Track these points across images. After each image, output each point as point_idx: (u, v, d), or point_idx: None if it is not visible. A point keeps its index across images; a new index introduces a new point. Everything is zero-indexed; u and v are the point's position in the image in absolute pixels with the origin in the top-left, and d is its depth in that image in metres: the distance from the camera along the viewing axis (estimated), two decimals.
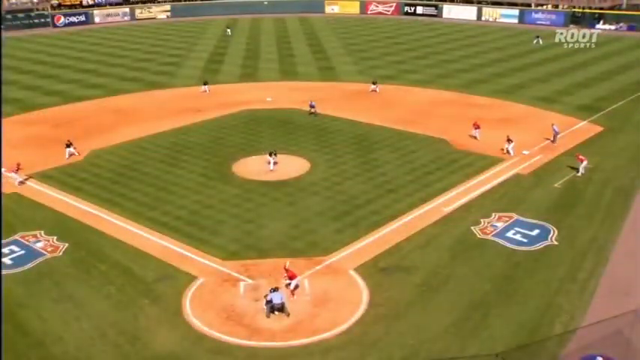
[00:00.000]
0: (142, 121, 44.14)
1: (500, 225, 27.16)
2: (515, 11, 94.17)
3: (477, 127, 38.73)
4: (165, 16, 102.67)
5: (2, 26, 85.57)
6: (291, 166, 34.27)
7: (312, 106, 44.48)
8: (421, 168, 33.96)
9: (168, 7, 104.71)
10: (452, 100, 48.80)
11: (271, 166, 33.43)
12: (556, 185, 31.52)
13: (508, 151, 35.78)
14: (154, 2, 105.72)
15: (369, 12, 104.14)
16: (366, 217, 28.04)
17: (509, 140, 35.99)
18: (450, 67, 61.97)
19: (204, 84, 52.59)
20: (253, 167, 34.35)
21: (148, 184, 32.14)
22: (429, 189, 31.05)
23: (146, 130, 41.48)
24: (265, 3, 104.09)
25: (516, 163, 34.63)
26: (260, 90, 52.93)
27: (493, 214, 28.11)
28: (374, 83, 51.31)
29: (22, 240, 26.20)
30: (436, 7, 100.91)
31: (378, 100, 48.96)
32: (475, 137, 38.41)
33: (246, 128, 41.92)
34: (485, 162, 34.66)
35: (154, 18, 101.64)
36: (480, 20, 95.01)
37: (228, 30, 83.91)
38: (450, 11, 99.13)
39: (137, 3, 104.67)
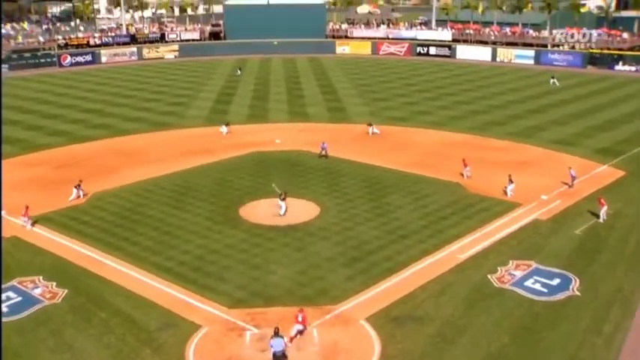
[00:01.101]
0: (147, 162, 44.65)
1: (518, 273, 26.83)
2: (531, 52, 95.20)
3: (465, 164, 39.48)
4: (173, 56, 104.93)
5: (7, 65, 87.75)
6: (300, 210, 34.28)
7: (323, 148, 44.77)
8: (435, 213, 33.88)
9: (176, 46, 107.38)
10: (466, 143, 49.05)
11: (282, 211, 33.28)
12: (577, 232, 31.23)
13: (506, 192, 35.78)
14: (162, 42, 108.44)
15: (380, 53, 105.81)
16: (378, 263, 27.91)
17: (510, 181, 36.05)
18: (464, 108, 62.44)
19: (226, 125, 53.16)
20: (261, 211, 34.39)
21: (152, 228, 32.23)
22: (443, 235, 30.92)
23: (151, 172, 41.85)
24: (275, 43, 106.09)
25: (534, 208, 34.45)
26: (269, 131, 53.50)
27: (511, 261, 27.85)
28: (369, 125, 51.76)
29: (20, 286, 26.04)
30: (449, 47, 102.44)
31: (390, 142, 49.30)
32: (467, 176, 39.15)
33: (255, 171, 42.15)
34: (502, 207, 34.58)
35: (162, 58, 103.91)
36: (495, 61, 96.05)
37: (239, 70, 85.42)
38: (464, 52, 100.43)
39: (145, 43, 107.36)
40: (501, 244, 29.73)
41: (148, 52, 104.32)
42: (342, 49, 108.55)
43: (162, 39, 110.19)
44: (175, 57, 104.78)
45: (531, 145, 47.71)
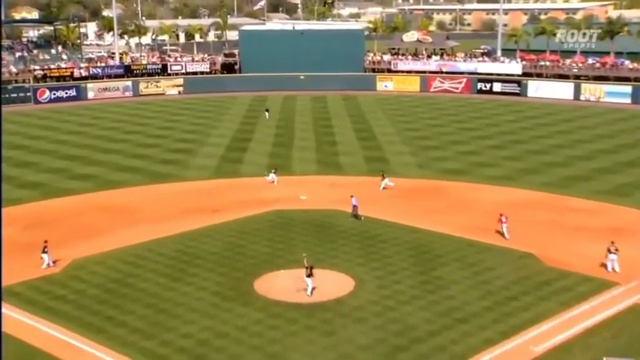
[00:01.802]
0: (142, 222, 45.31)
1: None
2: (627, 88, 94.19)
3: (502, 221, 40.88)
4: (176, 92, 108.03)
5: None
6: (330, 284, 34.34)
7: (354, 207, 45.18)
8: (501, 291, 33.65)
9: (180, 80, 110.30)
10: (541, 203, 48.85)
11: (309, 290, 33.31)
12: None
13: (606, 266, 35.55)
14: (163, 75, 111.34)
15: (432, 90, 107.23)
16: (427, 355, 27.75)
17: (612, 251, 35.52)
18: (539, 159, 62.57)
19: (273, 171, 55.09)
20: (281, 285, 34.56)
21: (145, 305, 32.41)
22: (513, 320, 30.62)
23: (146, 235, 42.38)
24: (302, 78, 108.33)
25: (635, 289, 33.93)
26: (292, 186, 54.15)
27: (604, 358, 27.29)
28: (382, 176, 52.62)
29: None
30: (519, 83, 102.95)
31: (443, 201, 49.51)
32: (502, 234, 40.49)
33: (274, 234, 42.57)
34: (590, 285, 34.18)
35: (163, 94, 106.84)
36: (578, 100, 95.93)
37: (266, 112, 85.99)
38: (538, 89, 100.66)
39: (142, 75, 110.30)
40: (590, 336, 29.21)
41: (146, 86, 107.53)
42: (385, 85, 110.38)
43: (163, 71, 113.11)
44: (179, 93, 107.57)
45: (627, 207, 47.33)
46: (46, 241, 37.58)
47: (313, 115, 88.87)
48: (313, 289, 33.26)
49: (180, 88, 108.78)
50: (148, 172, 59.44)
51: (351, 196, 45.81)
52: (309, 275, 33.18)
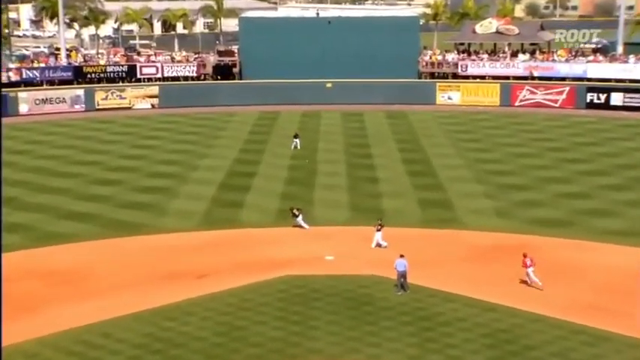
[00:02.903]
0: (95, 293, 45.23)
1: None
2: None
3: (526, 264, 45.10)
4: (149, 105, 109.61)
5: None
6: None
7: (401, 274, 45.09)
8: None
9: (154, 89, 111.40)
10: None
11: None
12: None
13: None
14: (130, 81, 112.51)
15: (517, 103, 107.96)
16: None
17: None
18: None
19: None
20: None
21: None
22: None
23: (101, 312, 42.17)
24: (328, 86, 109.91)
25: None
26: (314, 240, 54.45)
27: None
28: (379, 228, 52.97)
29: None
30: None
31: (534, 266, 48.82)
32: (527, 282, 44.10)
33: (287, 312, 42.45)
34: None
35: (129, 108, 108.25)
36: None
37: (297, 141, 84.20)
38: None
39: (100, 81, 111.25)
40: None
41: (105, 97, 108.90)
42: (448, 96, 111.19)
43: (130, 76, 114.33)
44: (153, 107, 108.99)
45: None
46: None
47: (345, 139, 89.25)
48: None
49: (155, 101, 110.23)
50: (106, 221, 59.63)
51: (401, 256, 45.63)
52: None
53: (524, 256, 45.35)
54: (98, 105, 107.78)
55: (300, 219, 56.74)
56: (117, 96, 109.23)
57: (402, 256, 45.52)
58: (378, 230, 52.75)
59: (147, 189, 68.94)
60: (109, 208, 63.11)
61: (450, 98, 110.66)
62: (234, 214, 61.21)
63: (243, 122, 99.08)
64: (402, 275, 45.01)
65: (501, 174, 73.38)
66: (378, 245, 52.54)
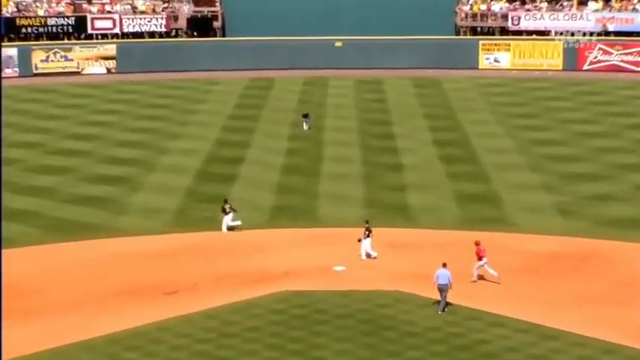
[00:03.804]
0: (34, 314, 44.82)
1: None
2: None
3: (482, 254, 47.71)
4: (104, 69, 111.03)
5: None
6: None
7: (443, 287, 44.98)
8: None
9: (111, 49, 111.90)
10: None
11: None
12: None
13: None
14: (78, 37, 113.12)
15: (585, 67, 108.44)
16: None
17: None
18: None
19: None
20: None
21: None
22: None
23: (42, 339, 41.95)
24: (338, 45, 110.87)
25: None
26: (319, 245, 54.49)
27: None
28: (367, 234, 52.80)
29: None
30: None
31: (610, 280, 48.77)
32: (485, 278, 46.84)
33: (283, 338, 42.06)
34: None
35: (78, 73, 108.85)
36: None
37: (306, 121, 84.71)
38: None
39: (38, 38, 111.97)
40: None
41: (46, 58, 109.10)
42: (494, 58, 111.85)
43: (78, 30, 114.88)
44: (110, 71, 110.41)
45: None
46: None
47: (359, 115, 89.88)
48: None
49: (111, 64, 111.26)
50: (49, 221, 60.00)
51: (443, 266, 45.33)
52: None
53: (477, 244, 47.67)
54: (36, 69, 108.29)
55: (229, 218, 57.18)
56: (61, 57, 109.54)
57: (444, 265, 45.49)
58: (367, 237, 52.67)
59: (101, 179, 69.03)
60: (52, 205, 63.49)
61: (496, 61, 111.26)
62: (216, 212, 59.76)
63: (227, 92, 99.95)
64: (442, 290, 45.04)
65: (564, 160, 73.63)
66: (368, 256, 52.77)
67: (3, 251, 51.66)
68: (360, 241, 52.54)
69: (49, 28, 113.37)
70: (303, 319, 44.52)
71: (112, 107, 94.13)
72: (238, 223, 57.48)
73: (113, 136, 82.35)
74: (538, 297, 47.09)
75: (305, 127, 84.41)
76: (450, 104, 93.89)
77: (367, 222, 53.59)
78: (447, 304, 44.92)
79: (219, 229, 58.05)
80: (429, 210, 62.11)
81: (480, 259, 47.74)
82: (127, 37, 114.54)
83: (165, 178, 69.81)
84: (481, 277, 48.03)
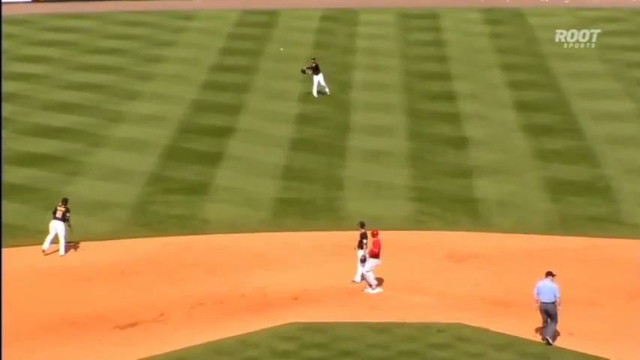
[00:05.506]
0: None
1: None
2: None
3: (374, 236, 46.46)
4: None
5: None
6: None
7: (550, 316, 40.31)
8: None
9: None
10: None
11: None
12: None
13: None
14: None
15: None
16: None
17: None
18: None
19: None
20: None
21: None
22: None
23: None
24: None
25: None
26: (343, 257, 47.29)
27: None
28: (363, 236, 46.87)
29: None
30: None
31: None
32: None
33: None
34: None
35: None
36: None
37: (314, 82, 77.46)
38: None
39: None
40: None
41: None
42: None
43: None
44: (38, 0, 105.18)
45: None
46: None
47: (404, 64, 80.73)
48: None
49: None
50: None
51: (547, 275, 39.36)
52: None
53: (374, 234, 44.45)
54: None
55: (60, 226, 48.36)
56: None
57: (548, 274, 39.34)
58: (360, 247, 46.41)
59: (24, 158, 60.87)
60: None
61: None
62: (193, 207, 53.24)
63: (207, 31, 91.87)
64: (547, 312, 39.16)
65: None
66: (364, 260, 47.18)
67: None
68: (361, 247, 47.20)
69: None
70: None
71: (41, 53, 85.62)
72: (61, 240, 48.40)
73: (41, 96, 73.97)
74: None
75: (314, 90, 74.08)
76: (538, 49, 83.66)
77: (362, 225, 47.13)
78: (549, 333, 39.81)
79: (200, 232, 51.32)
80: (506, 205, 54.28)
81: (373, 256, 43.91)
82: None
83: (118, 159, 61.66)
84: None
